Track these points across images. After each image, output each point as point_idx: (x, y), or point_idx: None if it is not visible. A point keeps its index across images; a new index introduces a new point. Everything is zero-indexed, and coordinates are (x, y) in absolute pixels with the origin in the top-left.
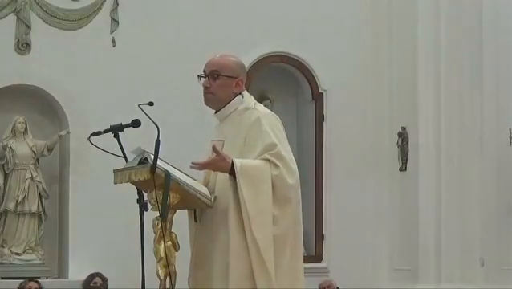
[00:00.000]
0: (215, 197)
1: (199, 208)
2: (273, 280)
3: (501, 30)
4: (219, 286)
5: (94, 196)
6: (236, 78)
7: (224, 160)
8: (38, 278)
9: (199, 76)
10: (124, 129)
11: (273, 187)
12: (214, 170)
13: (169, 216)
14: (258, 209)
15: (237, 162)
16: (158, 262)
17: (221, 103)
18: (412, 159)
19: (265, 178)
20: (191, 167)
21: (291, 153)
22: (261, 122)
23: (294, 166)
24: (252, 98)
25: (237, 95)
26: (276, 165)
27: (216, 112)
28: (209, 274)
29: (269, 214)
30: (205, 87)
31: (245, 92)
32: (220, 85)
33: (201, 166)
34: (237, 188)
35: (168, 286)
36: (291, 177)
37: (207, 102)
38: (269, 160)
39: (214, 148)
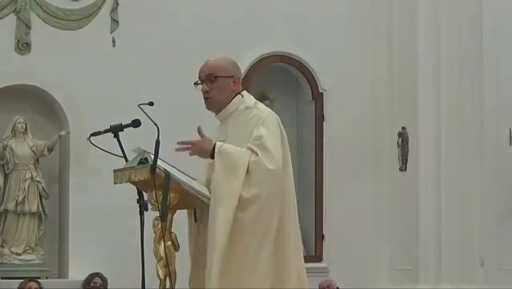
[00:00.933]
0: None
1: (199, 208)
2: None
3: (502, 30)
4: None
5: (94, 196)
6: (232, 77)
7: (209, 141)
8: (38, 278)
9: (195, 84)
10: (124, 129)
11: (249, 172)
12: (199, 152)
13: (169, 216)
14: (227, 190)
15: (219, 143)
16: (158, 262)
17: (222, 105)
18: (412, 159)
19: (242, 162)
20: (176, 149)
21: (280, 151)
22: (257, 119)
23: (278, 159)
24: (252, 97)
25: (236, 95)
26: (256, 154)
27: (217, 113)
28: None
29: (235, 196)
30: (205, 92)
31: (245, 92)
32: (218, 87)
33: (184, 147)
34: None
35: (168, 286)
36: (271, 163)
37: (209, 107)
38: (251, 150)
39: (199, 131)
